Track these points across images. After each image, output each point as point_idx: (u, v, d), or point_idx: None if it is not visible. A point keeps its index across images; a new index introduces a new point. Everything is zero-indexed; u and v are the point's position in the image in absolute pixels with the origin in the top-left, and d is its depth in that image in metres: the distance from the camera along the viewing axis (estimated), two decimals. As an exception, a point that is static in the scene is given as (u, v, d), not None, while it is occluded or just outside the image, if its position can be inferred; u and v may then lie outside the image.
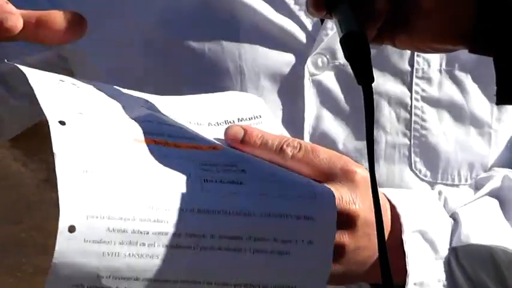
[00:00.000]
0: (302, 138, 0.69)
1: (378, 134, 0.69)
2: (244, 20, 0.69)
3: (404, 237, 0.58)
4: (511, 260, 0.60)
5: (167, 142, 0.52)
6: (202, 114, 0.59)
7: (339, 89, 0.69)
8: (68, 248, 0.47)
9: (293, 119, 0.69)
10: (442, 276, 0.60)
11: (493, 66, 0.68)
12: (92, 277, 0.47)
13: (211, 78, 0.70)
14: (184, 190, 0.50)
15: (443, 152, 0.69)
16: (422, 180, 0.69)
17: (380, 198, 0.51)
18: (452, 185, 0.70)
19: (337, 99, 0.69)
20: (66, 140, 0.48)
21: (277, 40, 0.69)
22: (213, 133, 0.58)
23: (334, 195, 0.54)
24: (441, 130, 0.69)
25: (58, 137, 0.47)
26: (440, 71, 0.69)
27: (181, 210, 0.49)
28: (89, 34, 0.53)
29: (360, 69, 0.50)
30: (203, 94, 0.61)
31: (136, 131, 0.52)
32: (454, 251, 0.60)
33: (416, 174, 0.69)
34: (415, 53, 0.68)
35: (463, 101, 0.69)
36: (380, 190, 0.54)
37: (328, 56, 0.69)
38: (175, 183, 0.50)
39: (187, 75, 0.70)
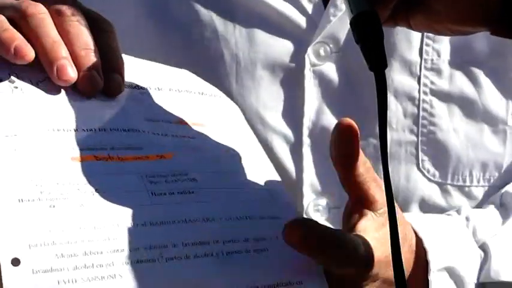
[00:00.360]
0: (301, 132, 0.68)
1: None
2: (241, 4, 0.68)
3: (431, 277, 0.57)
4: None
5: (110, 156, 0.51)
6: (165, 79, 0.57)
7: (342, 81, 0.68)
8: (17, 283, 0.44)
9: (292, 112, 0.68)
10: None
11: (507, 59, 0.67)
12: None
13: (205, 67, 0.68)
14: (131, 206, 0.49)
15: (454, 150, 0.68)
16: (430, 180, 0.68)
17: (407, 230, 0.52)
18: (463, 186, 0.69)
19: (340, 92, 0.68)
20: None
21: (275, 26, 0.68)
22: (175, 99, 0.57)
23: (285, 191, 0.54)
24: (451, 126, 0.68)
25: None
26: (450, 63, 0.68)
27: (133, 226, 0.48)
28: None
29: (372, 53, 0.48)
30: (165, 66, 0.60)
31: (74, 148, 0.50)
32: (481, 287, 0.59)
33: (424, 174, 0.69)
34: (424, 42, 0.67)
35: (476, 95, 0.68)
36: (406, 217, 0.55)
37: (331, 45, 0.68)
38: (120, 200, 0.49)
39: (180, 62, 0.68)
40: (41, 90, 0.52)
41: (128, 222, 0.48)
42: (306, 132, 0.69)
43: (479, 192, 0.71)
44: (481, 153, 0.69)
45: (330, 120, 0.68)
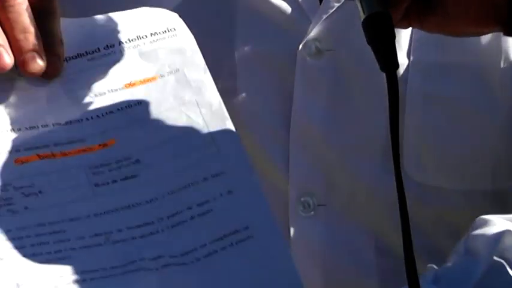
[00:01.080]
0: (288, 128, 0.68)
1: (370, 130, 0.67)
2: (242, 2, 0.68)
3: None
4: None
5: (53, 154, 0.52)
6: (118, 30, 0.57)
7: (332, 79, 0.68)
8: None
9: (280, 107, 0.69)
10: None
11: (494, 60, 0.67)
12: None
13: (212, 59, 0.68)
14: (75, 201, 0.51)
15: (437, 148, 0.68)
16: (413, 181, 0.68)
17: None
18: (445, 189, 0.69)
19: (329, 90, 0.68)
20: None
21: (271, 21, 0.69)
22: (126, 55, 0.57)
23: (237, 136, 0.55)
24: (435, 125, 0.68)
25: None
26: (436, 64, 0.68)
27: (76, 219, 0.50)
28: None
29: (384, 54, 0.48)
30: (115, 12, 0.59)
31: (18, 149, 0.51)
32: None
33: (408, 177, 0.67)
34: (412, 45, 0.67)
35: (460, 95, 0.68)
36: None
37: (323, 43, 0.68)
38: (64, 198, 0.50)
39: None
40: None
41: (72, 216, 0.50)
42: (294, 128, 0.68)
43: (462, 195, 0.70)
44: (463, 157, 0.69)
45: (319, 119, 0.68)
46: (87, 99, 0.55)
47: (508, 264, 0.61)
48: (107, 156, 0.53)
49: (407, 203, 0.67)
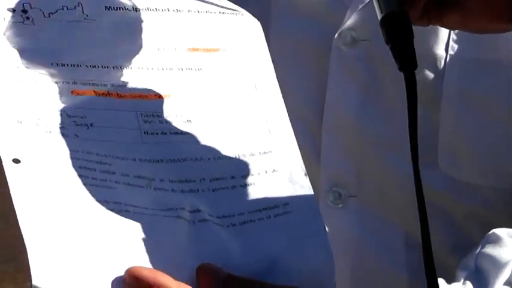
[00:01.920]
0: (321, 117, 0.68)
1: (402, 125, 0.67)
2: None
3: None
4: None
5: (109, 92, 0.53)
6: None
7: (366, 69, 0.68)
8: (19, 180, 0.48)
9: (314, 95, 0.69)
10: None
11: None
12: None
13: None
14: (123, 142, 0.52)
15: (470, 146, 0.68)
16: (447, 176, 0.68)
17: None
18: (475, 184, 0.68)
19: (363, 80, 0.68)
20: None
21: (307, 13, 0.69)
22: (193, 22, 0.58)
23: (290, 127, 0.57)
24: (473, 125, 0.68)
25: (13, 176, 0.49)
26: (474, 60, 0.68)
27: (122, 159, 0.52)
28: None
29: (402, 54, 0.48)
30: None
31: (76, 82, 0.53)
32: None
33: (441, 172, 0.68)
34: (451, 38, 0.67)
35: (497, 93, 0.67)
36: None
37: (359, 33, 0.68)
38: (113, 136, 0.52)
39: None
40: (51, 22, 0.54)
41: (119, 154, 0.52)
42: (326, 117, 0.69)
43: (494, 192, 0.70)
44: (497, 155, 0.69)
45: (352, 108, 0.68)
46: (150, 51, 0.56)
47: None
48: (161, 108, 0.54)
49: (442, 199, 0.68)
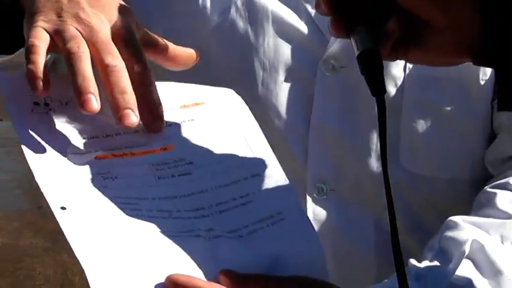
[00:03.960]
0: (308, 128, 0.71)
1: (372, 131, 0.70)
2: (272, 23, 0.71)
3: None
4: None
5: (124, 153, 0.59)
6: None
7: (345, 90, 0.71)
8: (67, 224, 0.53)
9: (303, 112, 0.72)
10: None
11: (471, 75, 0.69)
12: None
13: (239, 70, 0.72)
14: (142, 187, 0.58)
15: (425, 146, 0.71)
16: (406, 171, 0.71)
17: None
18: (430, 177, 0.71)
19: (342, 99, 0.71)
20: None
21: (297, 43, 0.71)
22: (180, 88, 0.63)
23: (271, 152, 0.61)
24: (425, 127, 0.71)
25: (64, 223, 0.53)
26: (426, 77, 0.70)
27: (144, 199, 0.57)
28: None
29: (374, 82, 0.50)
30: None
31: (97, 150, 0.58)
32: None
33: (402, 168, 0.71)
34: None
35: (443, 103, 0.71)
36: None
37: (338, 61, 0.71)
38: (134, 183, 0.58)
39: (220, 67, 0.73)
40: (68, 109, 0.59)
41: (141, 196, 0.57)
42: (312, 128, 0.71)
43: (446, 183, 0.73)
44: (448, 152, 0.72)
45: (333, 121, 0.72)
46: None
47: (474, 264, 0.62)
48: (167, 157, 0.59)
49: (402, 189, 0.71)
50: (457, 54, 0.51)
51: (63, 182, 0.56)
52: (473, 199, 0.71)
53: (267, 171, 0.61)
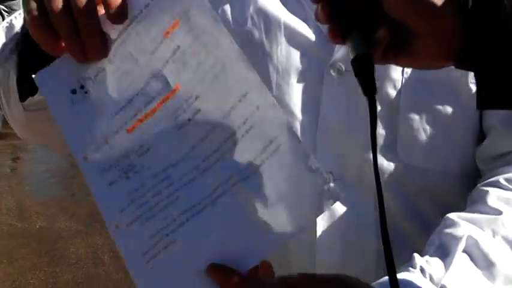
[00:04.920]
0: (316, 124, 0.71)
1: (378, 130, 0.70)
2: (285, 34, 0.71)
3: None
4: None
5: (147, 114, 0.56)
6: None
7: (349, 92, 0.70)
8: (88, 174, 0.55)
9: (311, 109, 0.71)
10: None
11: (461, 80, 0.68)
12: None
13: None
14: (170, 152, 0.56)
15: (421, 143, 0.70)
16: (403, 163, 0.71)
17: None
18: (424, 169, 0.70)
19: (346, 99, 0.71)
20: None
21: (306, 50, 0.71)
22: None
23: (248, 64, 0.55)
24: (421, 127, 0.70)
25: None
26: (421, 80, 0.70)
27: (175, 166, 0.56)
28: None
29: (366, 84, 0.50)
30: None
31: (127, 122, 0.56)
32: None
33: (399, 161, 0.70)
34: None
35: (438, 104, 0.70)
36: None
37: (343, 66, 0.70)
38: (163, 150, 0.56)
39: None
40: (98, 84, 0.56)
41: (171, 162, 0.55)
42: (320, 124, 0.71)
43: (438, 174, 0.72)
44: (440, 147, 0.71)
45: (338, 118, 0.71)
46: (148, 59, 0.56)
47: (470, 258, 0.62)
48: (180, 99, 0.55)
49: (400, 179, 0.70)
50: (440, 59, 0.51)
51: (106, 168, 0.55)
52: (463, 189, 0.70)
53: (254, 90, 0.55)
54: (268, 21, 0.72)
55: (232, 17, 0.73)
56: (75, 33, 0.53)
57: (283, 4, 0.72)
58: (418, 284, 0.58)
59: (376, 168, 0.50)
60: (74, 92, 0.57)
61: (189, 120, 0.55)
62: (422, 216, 0.70)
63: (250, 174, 0.54)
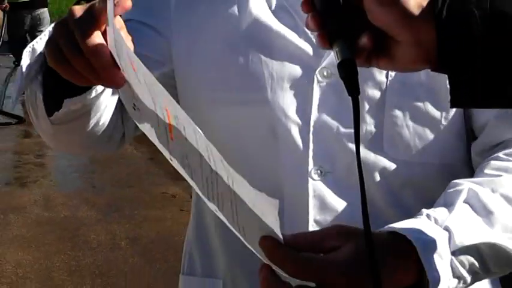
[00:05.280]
0: (309, 124, 0.71)
1: (360, 124, 0.67)
2: (278, 43, 0.72)
3: (423, 260, 0.55)
4: (492, 250, 0.60)
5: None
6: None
7: (336, 93, 0.70)
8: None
9: (303, 111, 0.71)
10: (450, 273, 0.57)
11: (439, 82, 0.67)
12: None
13: (253, 80, 0.72)
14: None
15: (405, 138, 0.70)
16: (388, 157, 0.70)
17: (399, 242, 0.53)
18: (408, 162, 0.70)
19: (334, 100, 0.71)
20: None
21: (298, 57, 0.71)
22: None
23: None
24: (404, 123, 0.70)
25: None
26: (404, 83, 0.70)
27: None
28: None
29: (350, 85, 0.50)
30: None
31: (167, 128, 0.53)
32: (452, 254, 0.58)
33: (385, 154, 0.70)
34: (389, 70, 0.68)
35: (419, 104, 0.70)
36: (395, 229, 0.55)
37: (330, 70, 0.70)
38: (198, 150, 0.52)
39: (237, 77, 0.73)
40: (137, 101, 0.54)
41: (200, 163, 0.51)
42: (311, 124, 0.71)
43: (420, 166, 0.71)
44: (422, 141, 0.70)
45: (327, 118, 0.71)
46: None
47: (470, 207, 0.61)
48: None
49: (385, 172, 0.70)
50: (418, 62, 0.51)
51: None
52: (442, 179, 0.69)
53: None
54: (262, 31, 0.72)
55: (227, 30, 0.73)
56: (89, 68, 0.53)
57: (275, 16, 0.72)
58: (424, 225, 0.58)
59: (359, 162, 0.50)
60: (134, 108, 0.57)
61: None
62: (405, 206, 0.69)
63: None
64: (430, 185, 0.71)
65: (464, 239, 0.58)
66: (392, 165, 0.71)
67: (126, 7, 0.53)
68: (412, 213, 0.63)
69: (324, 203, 0.72)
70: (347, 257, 0.52)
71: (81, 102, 0.66)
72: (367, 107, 0.70)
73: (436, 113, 0.70)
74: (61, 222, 3.45)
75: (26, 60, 0.66)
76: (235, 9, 0.72)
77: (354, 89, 0.50)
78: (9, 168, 4.24)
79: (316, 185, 0.71)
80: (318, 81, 0.71)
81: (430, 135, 0.70)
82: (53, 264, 2.98)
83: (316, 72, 0.71)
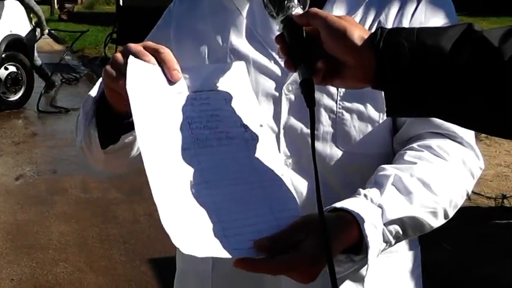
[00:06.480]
0: (280, 127, 0.69)
1: (318, 125, 0.70)
2: (254, 66, 0.70)
3: (363, 229, 0.56)
4: (412, 221, 0.60)
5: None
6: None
7: (299, 102, 0.68)
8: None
9: (276, 118, 0.70)
10: (381, 239, 0.59)
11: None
12: None
13: None
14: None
15: (353, 135, 0.70)
16: (341, 150, 0.70)
17: (345, 218, 0.54)
18: (356, 153, 0.69)
19: (299, 108, 0.69)
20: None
21: (269, 76, 0.70)
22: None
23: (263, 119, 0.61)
24: (352, 124, 0.69)
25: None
26: (352, 93, 0.69)
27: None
28: None
29: (308, 100, 0.51)
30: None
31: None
32: (384, 225, 0.59)
33: (338, 148, 0.70)
34: None
35: (363, 109, 0.69)
36: (344, 207, 0.56)
37: (294, 86, 0.69)
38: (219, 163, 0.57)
39: None
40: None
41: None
42: (281, 128, 0.70)
43: (365, 156, 0.70)
44: (366, 136, 0.70)
45: (294, 121, 0.70)
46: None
47: (396, 188, 0.62)
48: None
49: (340, 162, 0.69)
50: (362, 82, 0.52)
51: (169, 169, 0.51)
52: (380, 165, 0.67)
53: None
54: (241, 57, 0.70)
55: (213, 55, 0.72)
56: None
57: (250, 45, 0.71)
58: (363, 204, 0.59)
59: (314, 157, 0.51)
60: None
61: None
62: (353, 186, 0.67)
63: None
64: (373, 169, 0.70)
65: (392, 214, 0.60)
66: (344, 156, 0.70)
67: (174, 79, 0.57)
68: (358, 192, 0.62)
69: (292, 185, 0.69)
70: (310, 247, 0.52)
71: (132, 136, 0.66)
72: (323, 112, 0.69)
73: (375, 115, 0.70)
74: (94, 202, 3.43)
75: (85, 107, 0.67)
76: (219, 39, 0.72)
77: (311, 102, 0.51)
78: (56, 160, 4.20)
79: (288, 173, 0.70)
80: (285, 94, 0.70)
81: (371, 132, 0.70)
82: (88, 234, 2.98)
83: (284, 87, 0.70)
